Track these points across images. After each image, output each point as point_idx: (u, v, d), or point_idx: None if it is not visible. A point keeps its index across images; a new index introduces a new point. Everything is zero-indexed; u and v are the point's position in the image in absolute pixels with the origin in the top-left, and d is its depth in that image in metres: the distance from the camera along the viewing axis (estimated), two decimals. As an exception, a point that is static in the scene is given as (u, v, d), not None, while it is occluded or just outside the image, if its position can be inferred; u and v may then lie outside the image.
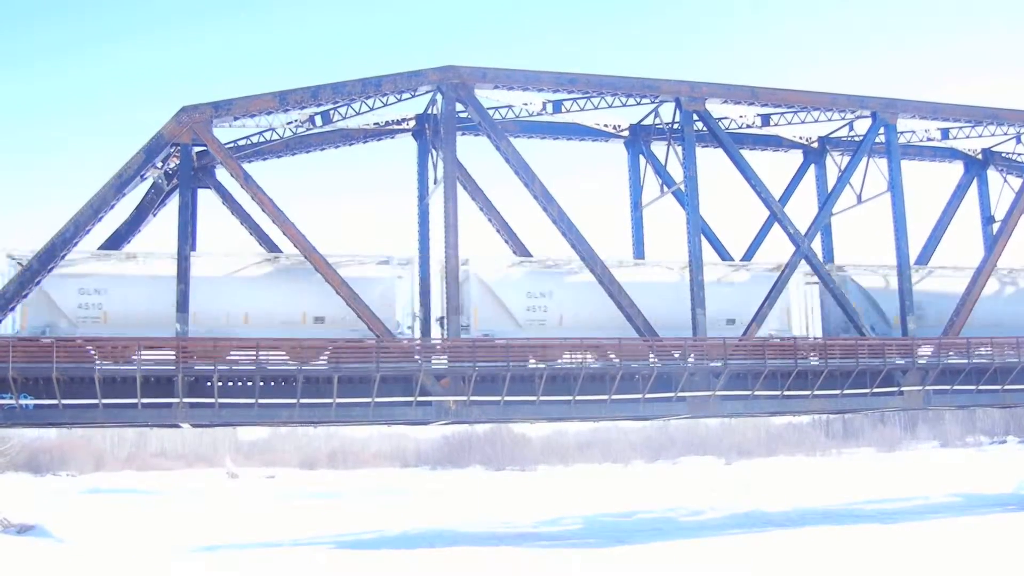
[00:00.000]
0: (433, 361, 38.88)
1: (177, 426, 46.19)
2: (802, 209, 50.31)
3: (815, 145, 52.31)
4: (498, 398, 39.54)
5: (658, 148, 48.05)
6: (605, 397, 40.62)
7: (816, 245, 48.30)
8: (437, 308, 42.60)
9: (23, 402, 36.31)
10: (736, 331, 43.16)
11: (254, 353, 37.15)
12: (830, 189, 48.95)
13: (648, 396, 41.23)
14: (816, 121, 48.38)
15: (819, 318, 47.48)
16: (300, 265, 39.92)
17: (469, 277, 41.50)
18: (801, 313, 46.36)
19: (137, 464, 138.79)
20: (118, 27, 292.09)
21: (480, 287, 41.35)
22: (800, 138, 52.19)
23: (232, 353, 37.20)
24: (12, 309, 37.44)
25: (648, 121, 48.13)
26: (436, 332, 42.09)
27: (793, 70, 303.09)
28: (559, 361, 39.56)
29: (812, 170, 52.25)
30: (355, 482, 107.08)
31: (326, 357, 37.98)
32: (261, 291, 39.65)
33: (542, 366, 39.24)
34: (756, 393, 42.73)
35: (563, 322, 41.01)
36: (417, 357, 38.99)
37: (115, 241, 43.40)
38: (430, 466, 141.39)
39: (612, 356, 40.38)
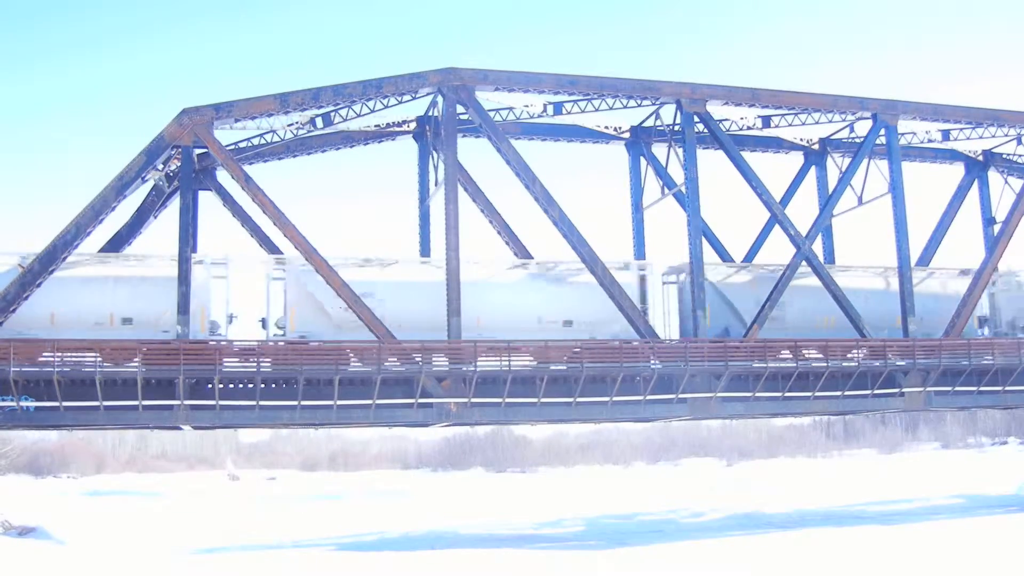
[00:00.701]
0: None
1: (178, 428, 46.19)
2: (803, 211, 50.27)
3: (816, 146, 52.35)
4: (499, 400, 39.58)
5: (659, 150, 48.12)
6: (606, 399, 40.67)
7: (817, 247, 48.35)
8: (262, 310, 41.66)
9: (24, 404, 36.37)
10: (574, 333, 42.52)
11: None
12: (831, 190, 49.02)
13: (649, 398, 41.26)
14: (817, 123, 48.51)
15: (677, 319, 46.61)
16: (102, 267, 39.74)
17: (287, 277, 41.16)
18: (657, 314, 45.23)
19: (138, 466, 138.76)
20: (119, 28, 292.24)
21: (297, 287, 40.86)
22: (801, 139, 52.23)
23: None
24: (14, 311, 37.45)
25: (649, 123, 48.14)
26: (259, 334, 41.38)
27: (794, 71, 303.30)
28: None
29: (813, 171, 52.28)
30: (356, 484, 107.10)
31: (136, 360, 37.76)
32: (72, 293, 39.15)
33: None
34: (757, 395, 42.76)
35: (384, 322, 40.27)
36: (418, 359, 39.10)
37: (116, 243, 43.50)
38: (431, 468, 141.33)
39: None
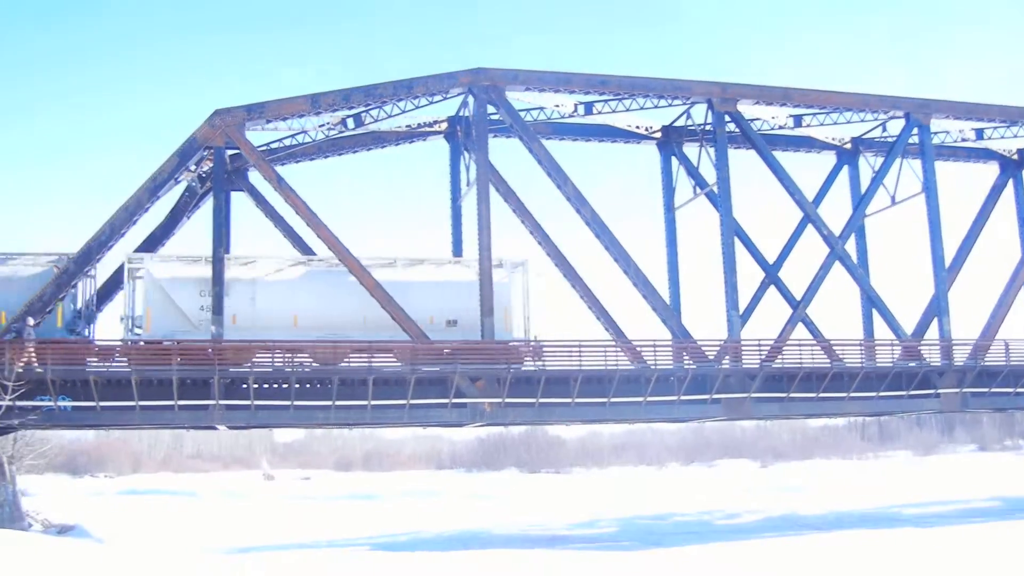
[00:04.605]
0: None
1: (213, 428, 46.44)
2: (835, 211, 50.04)
3: (848, 146, 52.05)
4: (533, 400, 39.61)
5: (690, 150, 48.01)
6: (640, 399, 40.61)
7: (851, 247, 48.13)
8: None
9: (61, 404, 36.73)
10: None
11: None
12: (864, 190, 48.78)
13: (683, 398, 41.25)
14: (849, 122, 48.29)
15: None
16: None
17: None
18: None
19: (173, 466, 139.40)
20: (151, 30, 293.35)
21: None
22: (833, 139, 51.92)
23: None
24: (51, 311, 37.80)
25: (680, 122, 47.99)
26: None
27: (826, 70, 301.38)
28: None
29: (845, 171, 51.98)
30: (390, 484, 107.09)
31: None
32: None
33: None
34: (792, 395, 42.58)
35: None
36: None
37: (150, 244, 43.69)
38: (465, 468, 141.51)
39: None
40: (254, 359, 38.08)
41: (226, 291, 39.09)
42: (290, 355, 38.21)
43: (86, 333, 40.08)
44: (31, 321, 37.43)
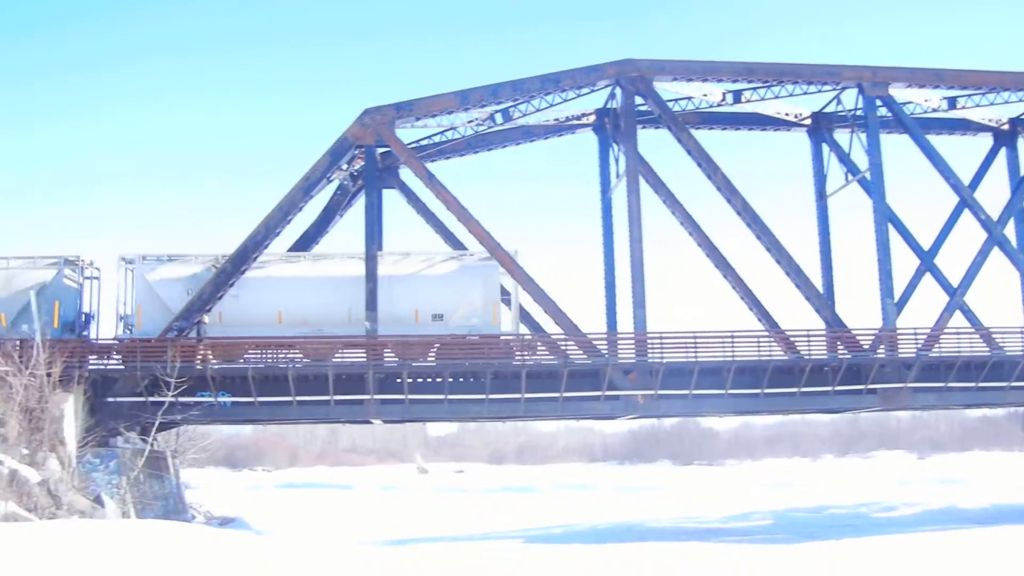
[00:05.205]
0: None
1: (368, 422, 47.27)
2: (993, 194, 48.69)
3: (1006, 127, 50.50)
4: (686, 392, 39.46)
5: (841, 136, 47.22)
6: (794, 390, 40.18)
7: (1010, 231, 46.82)
8: None
9: (221, 400, 37.85)
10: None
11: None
12: (1023, 173, 47.42)
13: (838, 388, 40.68)
14: (1006, 102, 46.99)
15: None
16: None
17: None
18: None
19: (329, 459, 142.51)
20: (300, 28, 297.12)
21: None
22: (989, 120, 50.46)
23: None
24: (210, 311, 38.90)
25: (830, 108, 47.23)
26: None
27: (978, 51, 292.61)
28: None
29: (1003, 153, 50.47)
30: (543, 477, 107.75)
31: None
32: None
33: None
34: (950, 385, 41.63)
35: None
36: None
37: (304, 243, 44.61)
38: (617, 461, 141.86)
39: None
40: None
41: (228, 292, 40.13)
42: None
43: (86, 333, 40.87)
44: (206, 319, 38.82)
